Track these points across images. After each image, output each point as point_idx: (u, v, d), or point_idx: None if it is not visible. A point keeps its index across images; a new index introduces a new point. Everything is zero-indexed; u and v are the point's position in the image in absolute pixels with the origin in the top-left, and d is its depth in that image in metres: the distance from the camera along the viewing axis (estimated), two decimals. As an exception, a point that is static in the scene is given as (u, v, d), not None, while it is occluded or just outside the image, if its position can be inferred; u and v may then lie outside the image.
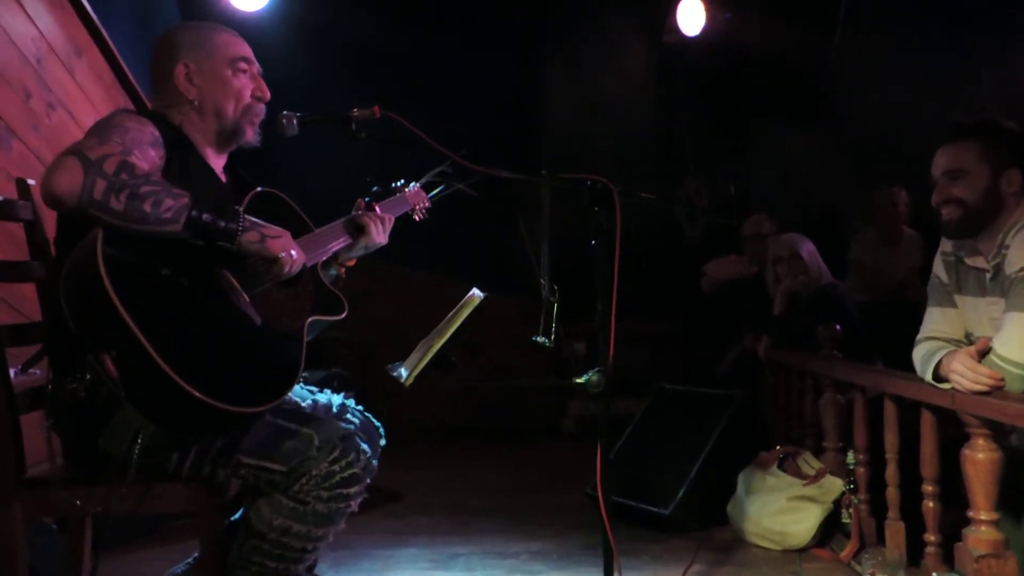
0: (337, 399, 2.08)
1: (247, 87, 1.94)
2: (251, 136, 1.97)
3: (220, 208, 1.66)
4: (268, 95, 1.97)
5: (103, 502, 1.72)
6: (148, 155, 1.72)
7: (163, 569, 2.04)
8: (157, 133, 1.77)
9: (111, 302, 1.48)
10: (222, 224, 1.64)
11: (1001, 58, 4.68)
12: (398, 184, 2.31)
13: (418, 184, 2.33)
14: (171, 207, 1.58)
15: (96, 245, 1.52)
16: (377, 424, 2.09)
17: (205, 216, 1.62)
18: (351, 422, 2.01)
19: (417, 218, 2.34)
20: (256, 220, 1.71)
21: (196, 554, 1.83)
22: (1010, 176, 2.21)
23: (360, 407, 2.11)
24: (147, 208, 1.56)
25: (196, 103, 1.89)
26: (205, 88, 1.89)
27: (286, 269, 1.73)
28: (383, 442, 2.08)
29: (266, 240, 1.70)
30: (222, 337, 1.66)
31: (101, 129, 1.70)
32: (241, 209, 1.70)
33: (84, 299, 1.54)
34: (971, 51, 4.73)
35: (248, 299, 1.71)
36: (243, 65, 1.93)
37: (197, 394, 1.51)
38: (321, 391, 2.05)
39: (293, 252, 1.74)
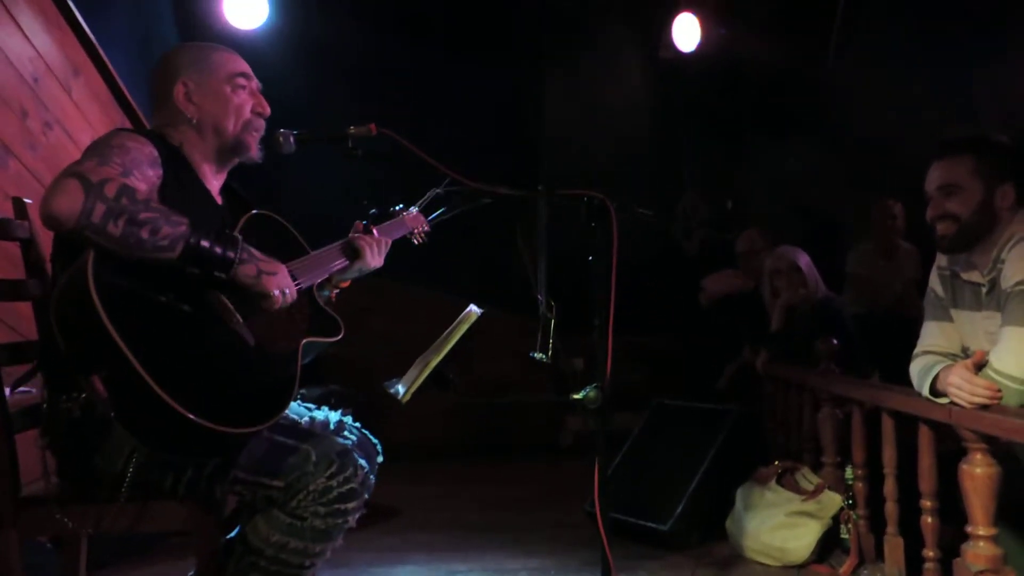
0: (335, 416, 2.08)
1: (247, 103, 1.94)
2: (255, 151, 1.97)
3: (220, 233, 1.66)
4: (268, 110, 1.97)
5: (99, 521, 1.71)
6: (147, 175, 1.71)
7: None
8: (155, 153, 1.77)
9: (101, 323, 1.47)
10: (219, 251, 1.63)
11: (996, 72, 4.71)
12: (397, 208, 2.31)
13: (417, 208, 2.32)
14: (168, 235, 1.57)
15: (87, 266, 1.51)
16: (375, 441, 2.08)
17: (203, 243, 1.61)
18: (348, 439, 2.01)
19: (416, 242, 2.34)
20: (255, 253, 1.71)
21: (192, 572, 1.82)
22: (1004, 191, 2.21)
23: (357, 424, 2.10)
24: (144, 235, 1.55)
25: (195, 121, 1.89)
26: (204, 105, 1.89)
27: (276, 306, 1.72)
28: (380, 459, 2.07)
29: (262, 276, 1.69)
30: (215, 358, 1.65)
31: (100, 149, 1.69)
32: (240, 237, 1.70)
33: (75, 319, 1.53)
34: (966, 65, 4.76)
35: (241, 320, 1.70)
36: (242, 81, 1.94)
37: (189, 415, 1.50)
38: (319, 408, 2.05)
39: (287, 291, 1.74)
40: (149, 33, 4.41)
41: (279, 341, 1.79)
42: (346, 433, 2.03)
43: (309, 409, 2.04)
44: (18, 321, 2.57)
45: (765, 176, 5.73)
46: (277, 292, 1.71)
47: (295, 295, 1.78)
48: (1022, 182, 2.23)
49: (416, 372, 1.89)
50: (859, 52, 5.34)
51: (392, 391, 1.88)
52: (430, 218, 2.36)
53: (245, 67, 1.97)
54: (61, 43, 3.20)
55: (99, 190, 1.53)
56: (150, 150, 1.76)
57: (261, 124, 1.96)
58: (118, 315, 1.50)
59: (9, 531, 1.72)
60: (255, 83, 1.98)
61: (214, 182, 1.97)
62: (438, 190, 2.21)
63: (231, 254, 1.65)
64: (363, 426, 2.08)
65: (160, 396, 1.48)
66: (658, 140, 6.09)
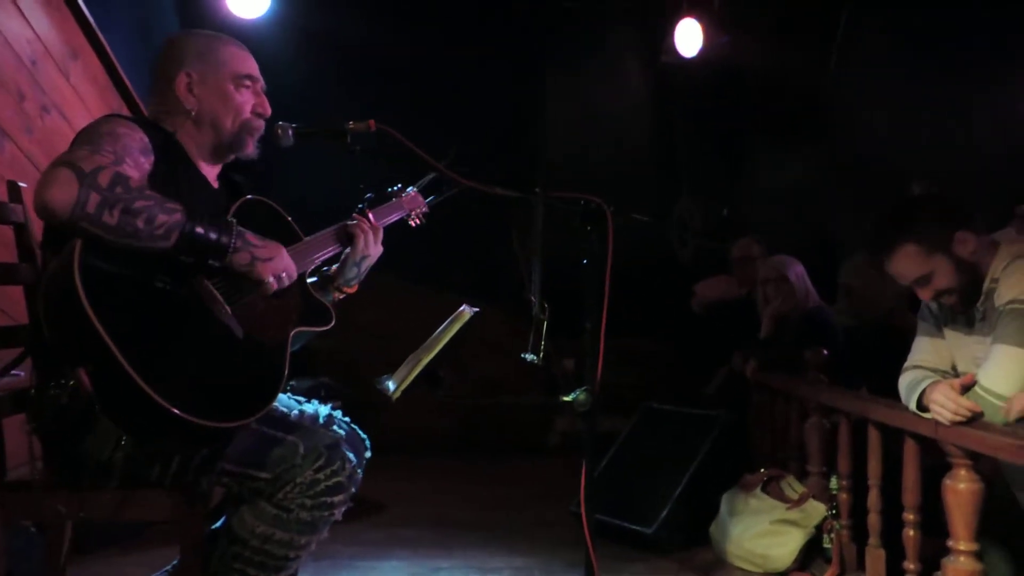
0: (324, 410, 2.07)
1: (248, 103, 1.92)
2: (251, 149, 1.95)
3: (213, 220, 1.65)
4: (269, 112, 1.95)
5: (84, 508, 1.71)
6: (139, 163, 1.70)
7: (143, 575, 2.03)
8: (147, 139, 1.75)
9: (87, 316, 1.46)
10: (213, 237, 1.62)
11: (995, 81, 4.74)
12: (394, 188, 2.28)
13: (415, 188, 2.29)
14: (164, 223, 1.56)
15: (74, 255, 1.50)
16: (363, 436, 2.08)
17: (198, 229, 1.60)
18: (338, 433, 2.01)
19: (413, 224, 2.29)
20: (249, 238, 1.69)
21: (175, 561, 1.81)
22: (960, 242, 2.17)
23: (347, 419, 2.10)
24: (140, 224, 1.54)
25: (193, 113, 1.87)
26: (205, 100, 1.88)
27: (271, 291, 1.71)
28: (368, 454, 2.07)
29: (256, 263, 1.68)
30: (201, 350, 1.64)
31: (91, 136, 1.68)
32: (234, 222, 1.68)
33: (60, 312, 1.52)
34: (966, 74, 4.78)
35: (230, 311, 1.68)
36: (247, 82, 1.92)
37: (174, 410, 1.49)
38: (308, 401, 2.05)
39: (284, 275, 1.73)
40: (149, 18, 4.39)
41: (268, 331, 1.77)
42: (335, 428, 2.03)
43: (299, 402, 2.04)
44: (10, 305, 2.56)
45: (762, 185, 5.75)
46: (272, 279, 1.70)
47: (295, 276, 1.77)
48: (962, 218, 2.20)
49: (407, 369, 1.89)
50: (861, 62, 5.36)
51: (382, 387, 1.88)
52: (428, 199, 2.31)
53: (253, 68, 1.95)
54: (60, 26, 3.18)
55: (93, 179, 1.52)
56: (141, 136, 1.74)
57: (261, 124, 1.95)
58: (104, 308, 1.48)
59: (-7, 515, 1.72)
60: (260, 84, 1.96)
61: (209, 170, 1.95)
62: (433, 175, 2.18)
63: (225, 240, 1.64)
64: (352, 421, 2.08)
65: (145, 391, 1.47)
66: (656, 145, 6.10)
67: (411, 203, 2.28)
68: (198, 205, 1.74)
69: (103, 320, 1.47)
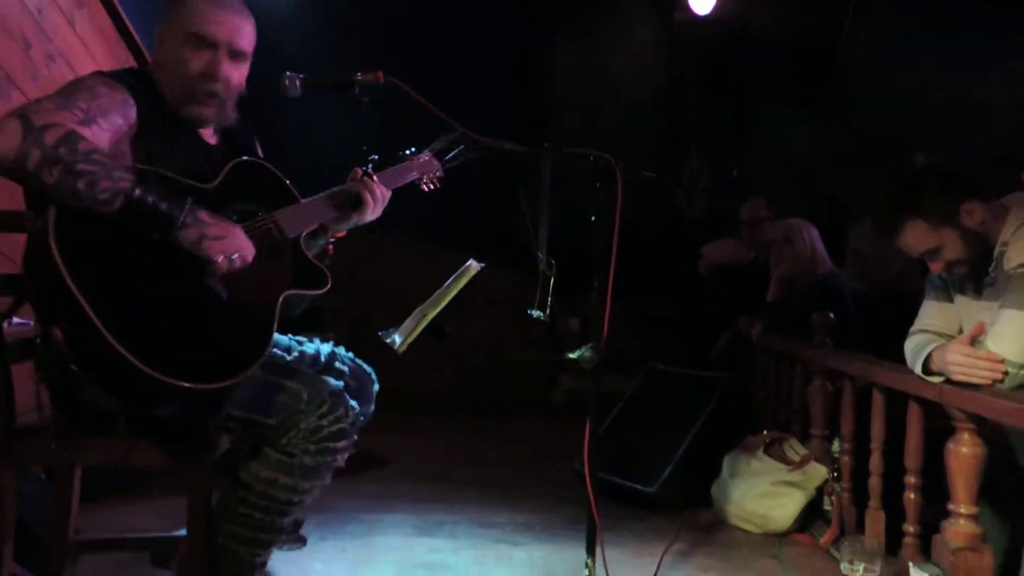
0: (326, 348, 2.10)
1: (198, 63, 1.82)
2: (210, 116, 1.87)
3: (165, 195, 1.62)
4: (221, 76, 1.84)
5: (90, 454, 1.74)
6: (113, 123, 1.69)
7: (150, 522, 2.06)
8: (131, 99, 1.74)
9: (61, 276, 1.48)
10: (163, 208, 1.60)
11: (1011, 47, 4.66)
12: (407, 152, 2.20)
13: (430, 152, 2.21)
14: (107, 188, 1.55)
15: (48, 217, 1.52)
16: (368, 369, 2.10)
17: (147, 198, 1.59)
18: (341, 373, 2.03)
19: (426, 188, 2.23)
20: (202, 217, 1.66)
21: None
22: (967, 212, 2.15)
23: (350, 353, 2.12)
24: (80, 186, 1.53)
25: (157, 65, 1.86)
26: (163, 55, 1.85)
27: (220, 272, 1.68)
28: (377, 387, 2.11)
29: (204, 241, 1.65)
30: (182, 312, 1.64)
31: (69, 91, 1.67)
32: (190, 200, 1.65)
33: (37, 272, 1.54)
34: (980, 38, 4.71)
35: (217, 274, 1.68)
36: (204, 45, 1.82)
37: (146, 369, 1.50)
38: (310, 340, 2.06)
39: (236, 256, 1.69)
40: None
41: (255, 294, 1.76)
42: (338, 364, 2.06)
43: (299, 342, 2.05)
44: (16, 252, 2.56)
45: (773, 146, 5.69)
46: (221, 258, 1.66)
47: (249, 259, 1.72)
48: (967, 189, 2.17)
49: (413, 323, 1.89)
50: (875, 26, 5.28)
51: (388, 341, 1.88)
52: (444, 160, 2.22)
53: (216, 32, 1.82)
54: (66, -27, 3.14)
55: (39, 135, 1.53)
56: (123, 96, 1.73)
57: (214, 88, 1.84)
58: (80, 269, 1.50)
59: (4, 461, 1.73)
60: (224, 51, 1.84)
61: (200, 126, 1.92)
62: (447, 140, 2.13)
63: (175, 212, 1.62)
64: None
65: (118, 350, 1.48)
66: (667, 103, 6.03)
67: (425, 167, 2.20)
68: (186, 159, 1.75)
69: (77, 280, 1.49)
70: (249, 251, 1.73)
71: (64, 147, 1.54)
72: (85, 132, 1.61)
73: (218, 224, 1.69)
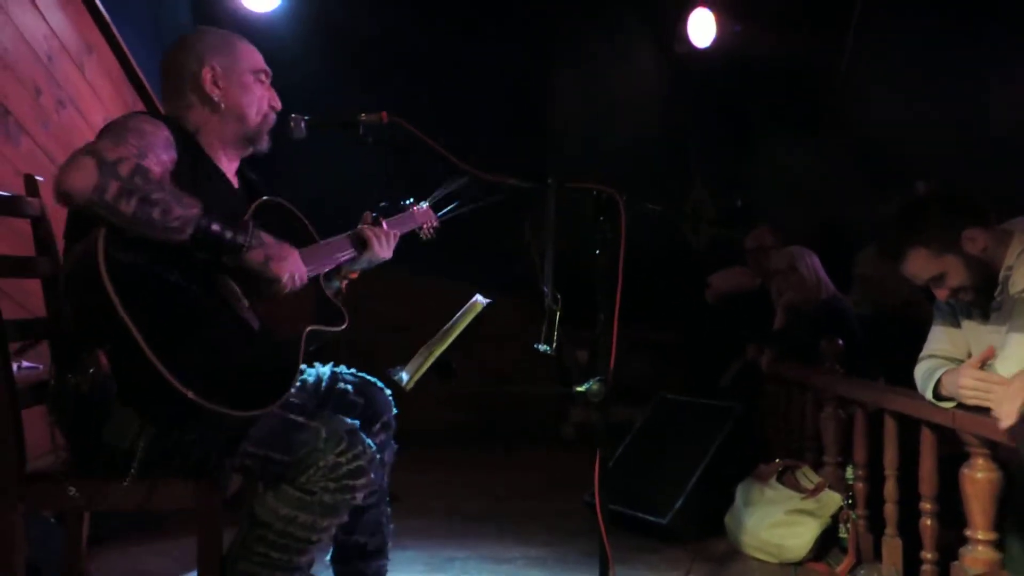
0: (325, 370, 2.12)
1: (265, 97, 1.98)
2: (266, 144, 2.02)
3: (231, 219, 1.68)
4: (280, 106, 2.01)
5: (106, 497, 1.74)
6: (161, 159, 1.74)
7: (162, 564, 2.05)
8: (171, 136, 1.79)
9: (108, 297, 1.50)
10: (229, 236, 1.66)
11: (1011, 69, 4.68)
12: (407, 202, 2.33)
13: (427, 203, 2.34)
14: (179, 216, 1.60)
15: (98, 243, 1.54)
16: (372, 379, 2.13)
17: (214, 227, 1.64)
18: (346, 392, 2.09)
19: (424, 237, 2.36)
20: (265, 238, 1.73)
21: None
22: (968, 239, 2.15)
23: (352, 370, 2.14)
24: (155, 215, 1.58)
25: (222, 106, 1.91)
26: (230, 92, 1.92)
27: (285, 291, 1.76)
28: (388, 392, 2.16)
29: (270, 262, 1.72)
30: (218, 339, 1.68)
31: (116, 130, 1.72)
32: (251, 223, 1.72)
33: (84, 295, 1.57)
34: (981, 62, 4.73)
35: (248, 305, 1.73)
36: (263, 77, 1.99)
37: (188, 393, 1.53)
38: (310, 366, 2.08)
39: (296, 275, 1.77)
40: (162, 12, 4.41)
41: (283, 327, 1.81)
42: (341, 385, 2.11)
43: (301, 371, 2.06)
44: (27, 298, 2.58)
45: (776, 175, 5.71)
46: (286, 277, 1.74)
47: (305, 279, 1.81)
48: (969, 216, 2.17)
49: (420, 360, 1.89)
50: (875, 51, 5.31)
51: (396, 378, 1.89)
52: (439, 214, 2.37)
53: (264, 64, 2.01)
54: (75, 21, 3.20)
55: (113, 168, 1.55)
56: (166, 134, 1.78)
57: (274, 118, 2.01)
58: (125, 292, 1.53)
59: (14, 505, 1.74)
60: (269, 78, 2.03)
61: (228, 167, 1.99)
62: (448, 189, 2.23)
63: (241, 239, 1.68)
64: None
65: (160, 373, 1.51)
66: (669, 135, 6.07)
67: (422, 217, 2.34)
68: (219, 203, 1.78)
69: (124, 302, 1.51)
70: (304, 272, 1.81)
71: (139, 177, 1.58)
72: (145, 164, 1.65)
73: (279, 245, 1.76)
